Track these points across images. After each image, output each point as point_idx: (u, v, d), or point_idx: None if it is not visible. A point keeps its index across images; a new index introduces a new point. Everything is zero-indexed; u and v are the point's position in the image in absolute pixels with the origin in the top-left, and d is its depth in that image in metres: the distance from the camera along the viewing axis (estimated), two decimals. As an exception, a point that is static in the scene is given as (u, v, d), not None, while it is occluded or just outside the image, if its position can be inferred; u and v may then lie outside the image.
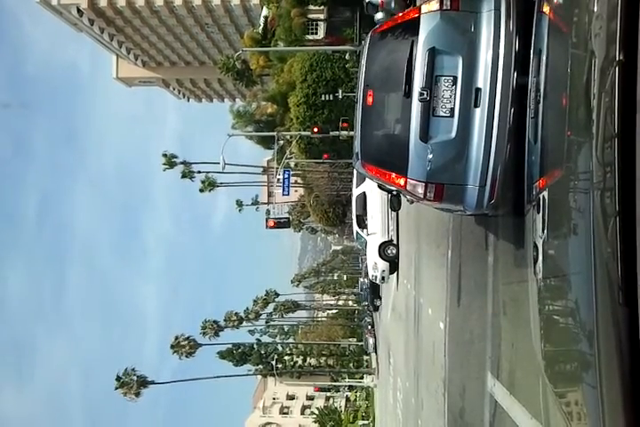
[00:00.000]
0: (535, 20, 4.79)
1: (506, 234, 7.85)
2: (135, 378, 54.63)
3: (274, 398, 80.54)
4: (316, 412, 65.95)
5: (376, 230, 23.10)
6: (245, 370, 66.32)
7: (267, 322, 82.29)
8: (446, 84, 6.36)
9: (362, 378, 66.34)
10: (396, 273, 24.43)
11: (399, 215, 22.93)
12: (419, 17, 6.45)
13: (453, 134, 6.37)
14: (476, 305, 9.83)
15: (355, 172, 25.88)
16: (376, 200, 22.46)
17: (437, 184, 6.48)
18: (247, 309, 72.87)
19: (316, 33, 48.82)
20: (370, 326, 53.90)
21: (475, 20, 6.20)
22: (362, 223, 23.59)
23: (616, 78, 2.47)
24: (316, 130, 38.59)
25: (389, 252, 23.37)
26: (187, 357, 60.19)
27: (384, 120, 7.04)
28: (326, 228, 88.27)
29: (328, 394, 75.58)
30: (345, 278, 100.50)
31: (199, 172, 64.18)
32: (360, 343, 64.82)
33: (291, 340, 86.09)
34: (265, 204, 75.25)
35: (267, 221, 43.55)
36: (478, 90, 6.22)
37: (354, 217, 24.47)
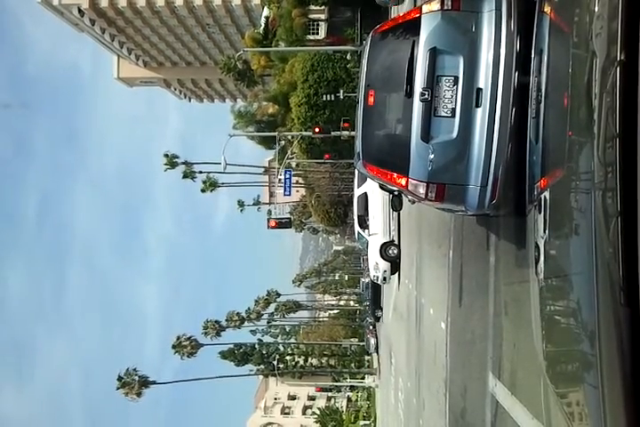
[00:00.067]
0: (536, 20, 4.79)
1: (507, 234, 7.85)
2: (137, 378, 54.66)
3: (275, 399, 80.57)
4: (318, 412, 65.94)
5: (377, 231, 23.11)
6: (247, 370, 66.38)
7: (268, 322, 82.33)
8: (447, 84, 6.36)
9: (363, 378, 66.34)
10: (397, 273, 24.43)
11: (400, 215, 22.94)
12: (420, 17, 6.46)
13: (455, 134, 6.37)
14: (477, 305, 9.82)
15: (356, 172, 25.89)
16: (377, 201, 22.47)
17: (439, 184, 6.48)
18: (249, 309, 72.99)
19: (317, 33, 48.86)
20: (371, 327, 53.91)
21: (476, 19, 6.20)
22: (363, 224, 23.60)
23: (617, 78, 2.46)
24: (317, 130, 38.60)
25: (391, 252, 23.38)
26: (188, 357, 60.23)
27: (385, 120, 7.04)
28: (328, 228, 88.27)
29: (329, 394, 75.60)
30: (346, 278, 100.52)
31: (200, 172, 64.25)
32: (361, 343, 64.80)
33: (292, 340, 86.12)
34: (266, 204, 75.23)
35: (268, 221, 43.48)
36: (479, 90, 6.22)
37: (355, 217, 24.49)
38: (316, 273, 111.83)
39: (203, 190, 66.74)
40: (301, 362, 69.66)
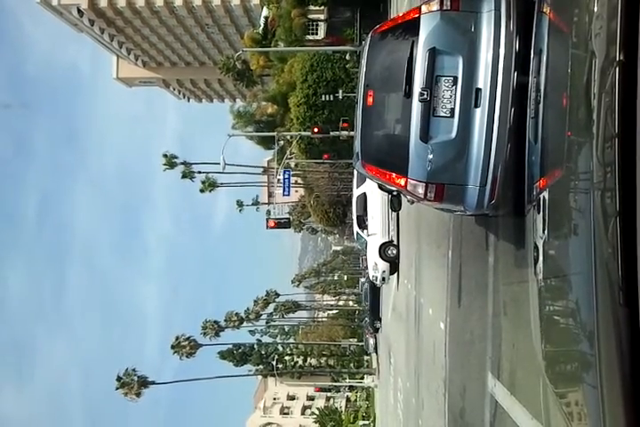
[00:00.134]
0: (535, 21, 4.79)
1: (506, 234, 7.85)
2: (136, 378, 54.69)
3: (274, 399, 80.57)
4: (317, 412, 65.94)
5: (376, 231, 23.11)
6: (246, 370, 66.44)
7: (267, 322, 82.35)
8: (446, 85, 6.36)
9: (362, 378, 66.35)
10: (396, 273, 24.43)
11: (399, 216, 22.94)
12: (419, 17, 6.46)
13: (454, 134, 6.37)
14: (476, 305, 9.83)
15: (355, 172, 25.89)
16: (376, 201, 22.47)
17: (438, 184, 6.48)
18: (248, 309, 72.97)
19: (317, 33, 48.86)
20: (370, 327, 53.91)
21: (475, 20, 6.20)
22: (362, 224, 23.60)
23: (616, 78, 2.47)
24: (316, 130, 38.63)
25: (390, 252, 23.38)
26: (187, 357, 60.25)
27: (384, 120, 7.04)
28: (327, 228, 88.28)
29: (328, 394, 75.60)
30: (345, 279, 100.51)
31: (199, 172, 64.28)
32: (360, 344, 64.84)
33: (291, 340, 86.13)
34: (265, 204, 75.24)
35: (267, 221, 43.50)
36: (479, 90, 6.22)
37: (354, 218, 24.49)
38: (315, 273, 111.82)
39: (202, 190, 66.78)
40: (300, 362, 69.69)
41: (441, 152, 6.42)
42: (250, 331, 77.30)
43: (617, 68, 2.47)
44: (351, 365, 68.37)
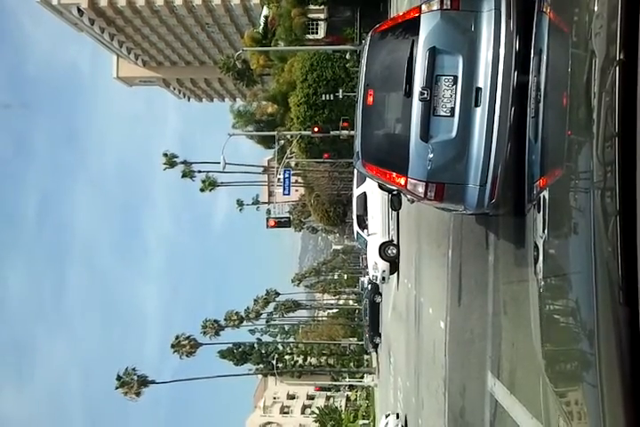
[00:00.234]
0: (535, 20, 4.79)
1: (506, 233, 7.85)
2: (136, 378, 54.70)
3: (274, 398, 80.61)
4: (317, 411, 66.00)
5: (376, 231, 23.11)
6: (246, 369, 66.45)
7: (267, 321, 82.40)
8: (447, 84, 6.36)
9: (362, 377, 66.38)
10: (396, 273, 24.44)
11: (399, 215, 22.94)
12: (419, 16, 6.46)
13: (454, 134, 6.38)
14: (476, 304, 9.83)
15: (355, 171, 25.89)
16: (376, 200, 22.47)
17: (438, 184, 6.49)
18: (248, 308, 73.01)
19: (317, 32, 48.88)
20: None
21: (475, 19, 6.20)
22: (362, 223, 23.60)
23: (616, 78, 2.47)
24: (316, 129, 38.64)
25: (390, 252, 23.37)
26: (187, 356, 60.26)
27: (384, 120, 7.04)
28: (327, 227, 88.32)
29: (328, 393, 75.66)
30: (345, 278, 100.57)
31: (200, 171, 64.34)
32: (360, 343, 64.80)
33: (291, 339, 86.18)
34: (265, 203, 75.31)
35: (267, 220, 43.57)
36: (479, 89, 6.22)
37: (354, 217, 24.48)
38: (315, 272, 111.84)
39: (202, 190, 66.81)
40: (300, 361, 69.74)
41: (441, 151, 6.42)
42: (250, 330, 77.45)
43: (617, 68, 2.47)
44: (351, 364, 68.41)
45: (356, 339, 74.01)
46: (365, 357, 67.30)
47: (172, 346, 60.23)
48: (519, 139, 5.53)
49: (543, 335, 3.95)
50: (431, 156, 6.42)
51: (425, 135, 6.43)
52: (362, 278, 60.97)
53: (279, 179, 47.43)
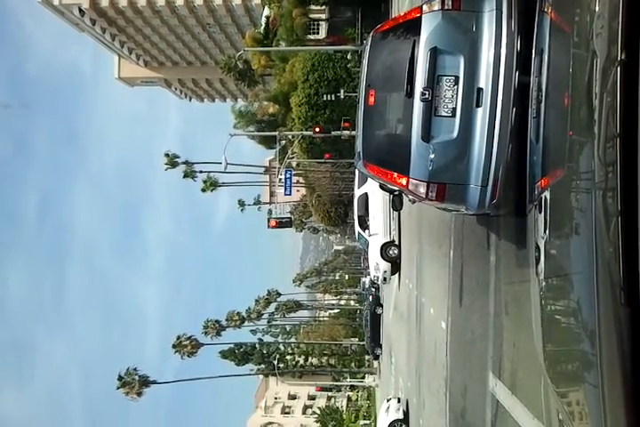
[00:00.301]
0: (537, 20, 4.78)
1: (508, 234, 7.85)
2: (137, 378, 54.76)
3: (275, 398, 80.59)
4: (318, 412, 65.94)
5: (378, 231, 23.10)
6: (247, 370, 66.52)
7: (268, 322, 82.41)
8: (448, 84, 6.36)
9: (363, 378, 66.41)
10: (397, 273, 24.43)
11: (401, 215, 22.94)
12: (420, 17, 6.46)
13: (455, 134, 6.38)
14: (477, 305, 9.83)
15: (357, 172, 25.88)
16: (378, 201, 22.46)
17: (439, 184, 6.49)
18: (249, 308, 73.04)
19: (318, 33, 48.91)
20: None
21: (476, 19, 6.20)
22: (364, 224, 23.59)
23: (618, 78, 2.47)
24: (317, 130, 38.65)
25: (391, 252, 23.37)
26: (189, 356, 60.29)
27: (386, 120, 7.04)
28: (328, 227, 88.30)
29: (330, 394, 75.63)
30: (347, 278, 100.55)
31: (201, 171, 64.39)
32: (362, 343, 64.84)
33: (292, 339, 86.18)
34: (267, 203, 75.38)
35: (269, 220, 43.52)
36: (480, 90, 6.22)
37: (356, 218, 24.47)
38: (317, 273, 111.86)
39: (203, 190, 66.85)
40: (302, 361, 69.77)
41: (442, 152, 6.42)
42: (251, 330, 77.48)
43: (618, 68, 2.47)
44: (352, 364, 68.43)
45: (357, 339, 74.01)
46: (366, 357, 67.25)
47: (174, 346, 60.26)
48: (520, 139, 5.53)
49: (544, 336, 3.95)
50: (432, 156, 6.42)
51: (426, 135, 6.43)
52: (363, 279, 60.95)
53: (280, 179, 47.47)
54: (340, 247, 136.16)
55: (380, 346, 38.46)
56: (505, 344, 8.00)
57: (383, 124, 7.07)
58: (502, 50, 6.07)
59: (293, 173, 51.60)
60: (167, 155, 63.92)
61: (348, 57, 44.13)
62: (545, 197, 4.05)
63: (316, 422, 64.99)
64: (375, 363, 55.75)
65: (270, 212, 60.97)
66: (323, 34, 49.00)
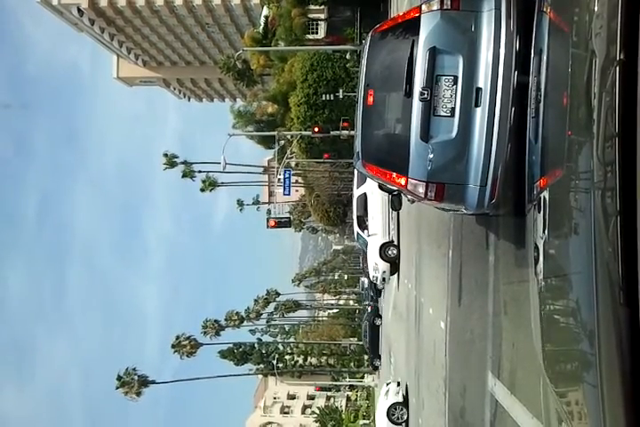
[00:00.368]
0: (536, 20, 4.78)
1: (507, 234, 7.85)
2: (136, 378, 54.73)
3: (275, 398, 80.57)
4: (317, 411, 65.94)
5: (377, 231, 23.10)
6: (246, 369, 66.49)
7: (268, 321, 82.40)
8: (447, 84, 6.36)
9: (362, 377, 66.39)
10: (396, 273, 24.43)
11: (400, 215, 22.94)
12: (419, 16, 6.45)
13: (454, 134, 6.37)
14: (476, 305, 9.83)
15: (356, 172, 25.88)
16: (377, 201, 22.46)
17: (438, 184, 6.48)
18: (248, 308, 73.01)
19: (317, 32, 48.90)
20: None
21: (475, 19, 6.20)
22: (362, 224, 23.59)
23: (617, 78, 2.46)
24: (316, 129, 38.63)
25: (390, 253, 23.37)
26: (188, 356, 60.27)
27: (385, 120, 7.04)
28: (327, 227, 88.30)
29: (329, 394, 75.62)
30: (346, 278, 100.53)
31: (200, 171, 64.32)
32: (361, 343, 64.84)
33: (292, 339, 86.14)
34: (266, 203, 75.25)
35: (268, 220, 43.52)
36: (479, 89, 6.22)
37: (355, 218, 24.46)
38: (316, 272, 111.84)
39: (202, 190, 66.81)
40: (301, 361, 69.75)
41: (441, 151, 6.42)
42: (250, 330, 77.44)
43: (617, 68, 2.47)
44: (351, 364, 68.41)
45: (356, 339, 74.00)
46: (366, 357, 67.24)
47: (173, 346, 60.24)
48: (519, 139, 5.53)
49: (543, 336, 3.95)
50: (431, 156, 6.41)
51: (425, 135, 6.42)
52: (362, 278, 60.92)
53: (279, 179, 47.41)
54: (339, 247, 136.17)
55: (380, 357, 38.41)
56: (504, 344, 8.00)
57: (382, 124, 7.06)
58: (501, 49, 6.07)
59: (292, 172, 51.56)
60: (166, 155, 63.88)
61: (347, 57, 44.11)
62: (544, 197, 4.05)
63: (316, 421, 64.98)
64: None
65: (269, 212, 60.86)
66: (322, 34, 48.99)
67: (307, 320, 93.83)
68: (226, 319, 67.38)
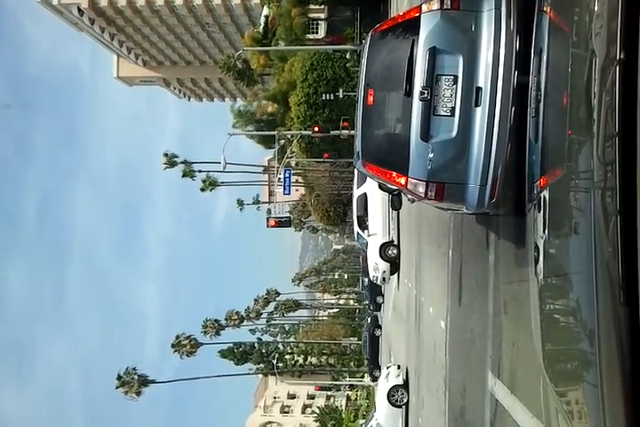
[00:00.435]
0: (536, 20, 4.79)
1: (507, 233, 7.85)
2: (136, 377, 54.73)
3: (275, 398, 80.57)
4: (317, 411, 65.91)
5: (377, 231, 23.08)
6: (246, 369, 66.52)
7: (268, 321, 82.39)
8: (447, 84, 6.36)
9: (362, 377, 66.32)
10: (396, 273, 24.42)
11: (400, 215, 22.94)
12: (419, 16, 6.46)
13: (454, 133, 6.38)
14: (477, 304, 9.83)
15: (356, 171, 25.87)
16: (377, 201, 22.45)
17: (438, 183, 6.49)
18: (248, 308, 73.01)
19: (317, 32, 48.90)
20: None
21: (475, 19, 6.20)
22: (363, 224, 23.57)
23: (617, 77, 2.47)
24: (316, 129, 38.61)
25: (390, 252, 23.34)
26: (188, 356, 60.27)
27: (385, 119, 7.04)
28: (327, 227, 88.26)
29: (329, 393, 75.63)
30: (346, 277, 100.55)
31: (200, 171, 64.24)
32: (361, 342, 64.85)
33: (292, 339, 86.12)
34: (266, 203, 75.30)
35: (268, 220, 43.42)
36: (479, 89, 6.22)
37: (355, 218, 24.44)
38: (316, 272, 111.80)
39: (202, 189, 66.77)
40: (301, 361, 69.77)
41: (441, 151, 6.42)
42: (250, 330, 77.42)
43: (617, 67, 2.47)
44: (351, 363, 68.39)
45: (356, 338, 74.00)
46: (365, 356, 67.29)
47: (173, 346, 60.25)
48: (519, 139, 5.53)
49: (544, 335, 3.95)
50: (431, 155, 6.42)
51: (425, 135, 6.43)
52: (362, 278, 60.92)
53: (279, 178, 47.36)
54: (339, 246, 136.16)
55: (379, 368, 38.35)
56: (504, 344, 8.01)
57: (382, 124, 7.07)
58: (501, 49, 6.07)
59: (292, 172, 51.51)
60: (166, 154, 63.84)
61: (347, 56, 44.11)
62: (544, 197, 4.06)
63: (316, 421, 64.96)
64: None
65: (269, 211, 60.95)
66: (322, 33, 49.00)
67: (307, 320, 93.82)
68: (226, 319, 67.39)
